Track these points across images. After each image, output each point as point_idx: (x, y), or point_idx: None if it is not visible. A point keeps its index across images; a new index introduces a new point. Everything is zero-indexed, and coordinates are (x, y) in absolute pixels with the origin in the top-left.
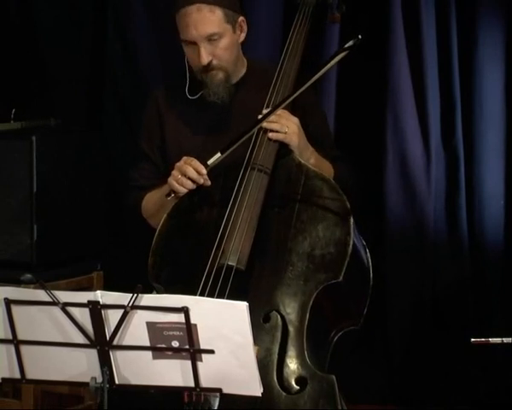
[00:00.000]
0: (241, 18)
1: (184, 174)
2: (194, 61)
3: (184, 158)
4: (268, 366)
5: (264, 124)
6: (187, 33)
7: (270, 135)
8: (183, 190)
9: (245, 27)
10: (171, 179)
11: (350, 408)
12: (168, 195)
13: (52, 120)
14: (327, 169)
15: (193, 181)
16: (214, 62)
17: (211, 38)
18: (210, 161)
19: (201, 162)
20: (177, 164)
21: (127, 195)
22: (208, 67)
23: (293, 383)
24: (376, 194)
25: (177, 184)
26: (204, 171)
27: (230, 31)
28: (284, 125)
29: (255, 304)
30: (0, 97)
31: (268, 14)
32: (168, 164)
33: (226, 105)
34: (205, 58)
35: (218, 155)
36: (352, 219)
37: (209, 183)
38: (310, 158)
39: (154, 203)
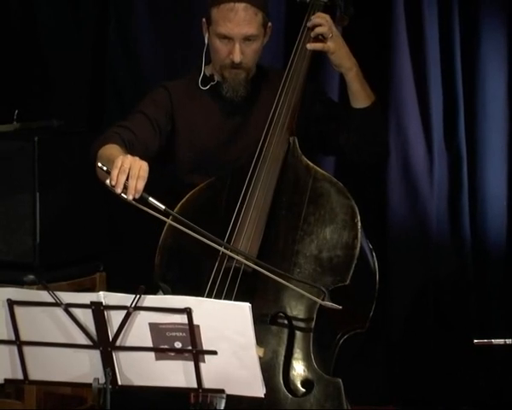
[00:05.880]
0: (270, 23)
1: (128, 174)
2: (221, 55)
3: (143, 165)
4: (274, 368)
5: (310, 23)
6: (226, 28)
7: (312, 45)
8: (113, 178)
9: (269, 33)
10: (117, 162)
11: (351, 409)
12: (102, 168)
13: (54, 121)
14: (369, 90)
15: (124, 186)
16: (243, 62)
17: (248, 39)
18: (151, 199)
19: (143, 190)
20: (134, 161)
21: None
22: (236, 65)
23: (300, 385)
24: (379, 194)
25: (117, 171)
26: (139, 191)
27: (262, 34)
28: (329, 31)
29: (262, 306)
30: (2, 98)
31: (270, 15)
32: (175, 154)
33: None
34: (239, 56)
35: (162, 207)
36: (359, 223)
37: (129, 199)
38: (352, 68)
39: (105, 156)
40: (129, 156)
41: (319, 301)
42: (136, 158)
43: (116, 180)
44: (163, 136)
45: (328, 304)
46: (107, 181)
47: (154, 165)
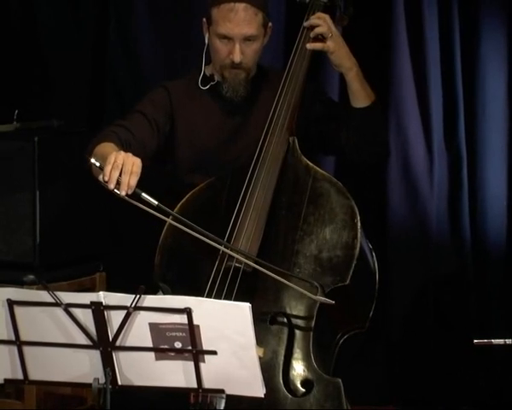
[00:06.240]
0: (270, 23)
1: (121, 170)
2: (221, 55)
3: (136, 161)
4: (274, 368)
5: (306, 23)
6: (226, 28)
7: (312, 45)
8: (106, 174)
9: (270, 33)
10: (110, 158)
11: (351, 409)
12: (96, 164)
13: (54, 121)
14: (370, 89)
15: (117, 182)
16: (243, 62)
17: (248, 39)
18: (144, 194)
19: (136, 186)
20: (127, 157)
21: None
22: (236, 65)
23: (299, 385)
24: (379, 194)
25: (110, 166)
26: (132, 188)
27: (263, 34)
28: (328, 30)
29: (262, 306)
30: (2, 98)
31: (270, 15)
32: (175, 154)
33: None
34: (239, 56)
35: (154, 203)
36: (359, 223)
37: (122, 195)
38: (352, 68)
39: (100, 153)
40: (122, 152)
41: (313, 296)
42: (129, 154)
43: (109, 176)
44: (161, 136)
45: (322, 299)
46: (100, 177)
47: (154, 165)
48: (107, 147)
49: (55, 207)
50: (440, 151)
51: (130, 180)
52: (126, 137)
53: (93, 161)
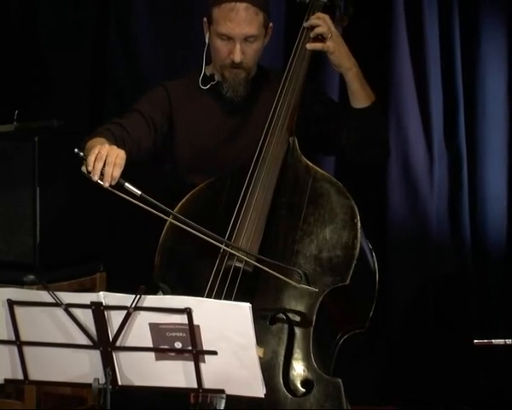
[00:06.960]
0: (271, 24)
1: (104, 162)
2: (222, 55)
3: (119, 153)
4: (274, 368)
5: (306, 23)
6: (227, 27)
7: (311, 45)
8: (90, 165)
9: (270, 33)
10: (94, 150)
11: (351, 409)
12: (79, 153)
13: (54, 121)
14: (370, 89)
15: (101, 173)
16: (243, 62)
17: (248, 39)
18: (127, 184)
19: (120, 176)
20: (111, 149)
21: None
22: (236, 65)
23: (299, 385)
24: (379, 194)
25: (93, 157)
26: (115, 179)
27: (263, 34)
28: (328, 31)
29: (262, 306)
30: (2, 99)
31: (270, 15)
32: (174, 154)
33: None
34: (239, 56)
35: (138, 193)
36: (359, 223)
37: (105, 186)
38: (351, 68)
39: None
40: (106, 145)
41: (297, 284)
42: (114, 146)
43: (93, 167)
44: (158, 135)
45: (305, 287)
46: (83, 168)
47: (153, 165)
48: (97, 141)
49: (54, 207)
50: (440, 151)
51: (114, 171)
52: (121, 134)
53: (76, 150)
